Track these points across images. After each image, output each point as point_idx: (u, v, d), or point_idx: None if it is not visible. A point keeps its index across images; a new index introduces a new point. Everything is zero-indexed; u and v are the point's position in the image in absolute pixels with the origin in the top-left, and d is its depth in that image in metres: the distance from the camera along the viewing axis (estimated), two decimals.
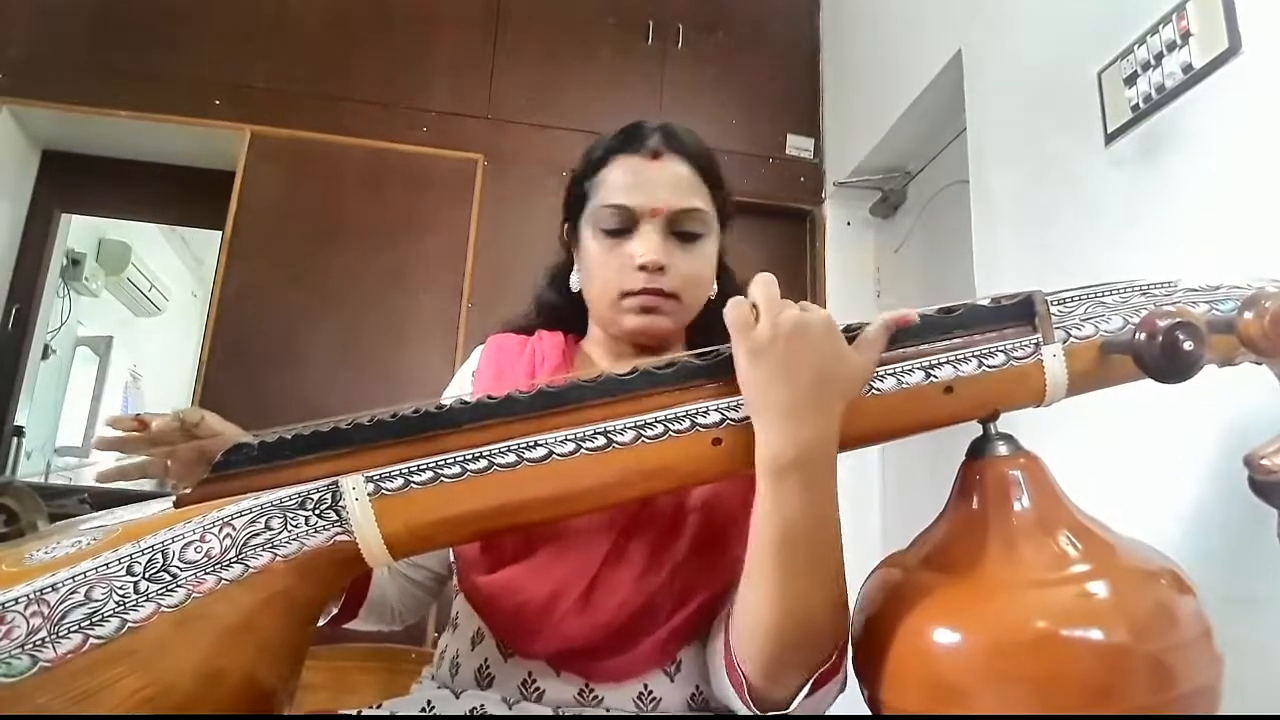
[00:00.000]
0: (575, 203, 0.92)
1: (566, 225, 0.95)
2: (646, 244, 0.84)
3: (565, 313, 0.96)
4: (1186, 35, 1.19)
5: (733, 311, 0.61)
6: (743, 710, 0.67)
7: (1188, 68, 1.19)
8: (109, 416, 0.85)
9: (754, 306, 0.61)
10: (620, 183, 0.86)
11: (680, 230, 0.86)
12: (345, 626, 0.90)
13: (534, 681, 0.78)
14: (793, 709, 0.63)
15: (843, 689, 0.68)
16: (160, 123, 2.34)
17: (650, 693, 0.77)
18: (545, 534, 0.78)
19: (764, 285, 0.61)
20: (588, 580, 0.75)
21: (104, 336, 3.78)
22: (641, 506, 0.78)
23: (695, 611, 0.77)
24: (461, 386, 0.94)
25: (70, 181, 2.54)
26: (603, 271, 0.87)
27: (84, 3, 2.38)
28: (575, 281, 0.93)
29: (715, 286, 0.93)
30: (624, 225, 0.86)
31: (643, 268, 0.84)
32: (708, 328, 0.91)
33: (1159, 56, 1.24)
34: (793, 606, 0.61)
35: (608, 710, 0.77)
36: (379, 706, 0.81)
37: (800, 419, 0.58)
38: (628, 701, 0.77)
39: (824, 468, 0.60)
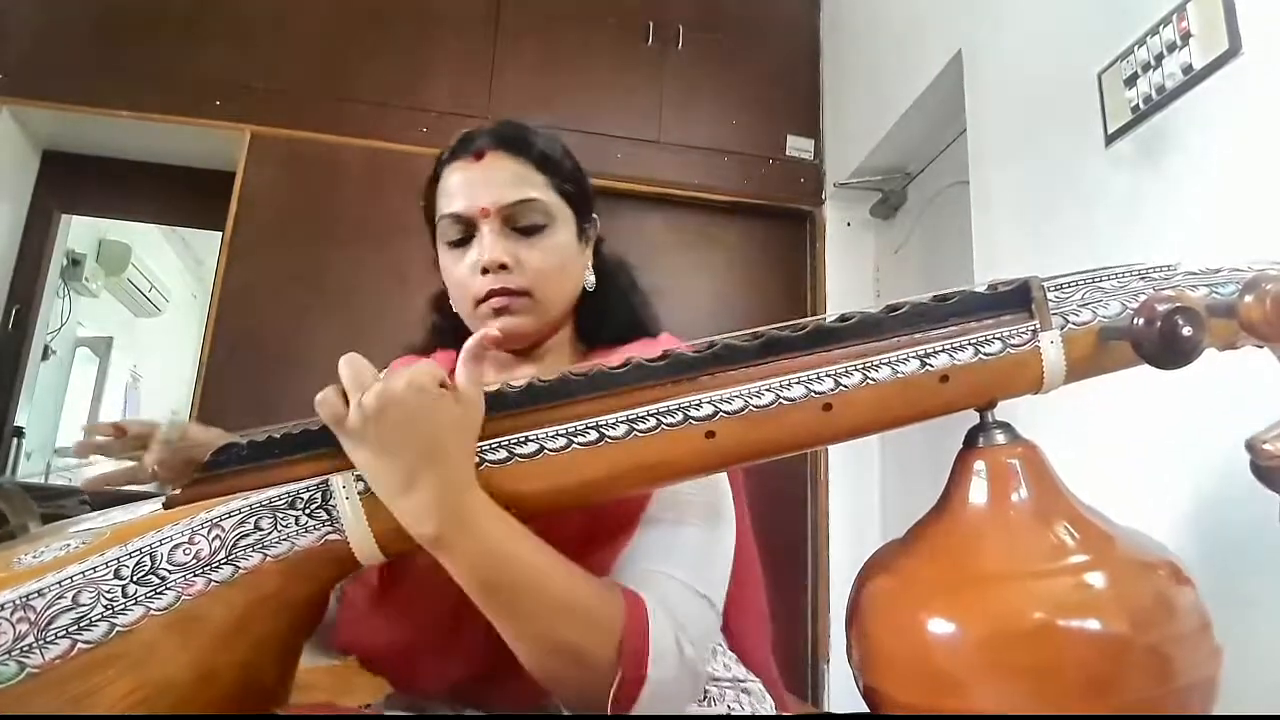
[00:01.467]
0: (429, 222, 0.90)
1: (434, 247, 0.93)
2: (484, 245, 0.82)
3: (456, 333, 0.92)
4: (1186, 36, 1.19)
5: (322, 406, 0.58)
6: None
7: (1188, 68, 1.19)
8: (85, 425, 0.85)
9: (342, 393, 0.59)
10: (452, 190, 0.85)
11: (519, 225, 0.83)
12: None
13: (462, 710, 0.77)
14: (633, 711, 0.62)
15: (695, 692, 0.67)
16: (160, 123, 2.34)
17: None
18: (403, 572, 0.76)
19: (345, 367, 0.59)
20: (448, 613, 0.72)
21: (104, 337, 3.78)
22: None
23: None
24: None
25: (70, 181, 2.53)
26: (455, 283, 0.85)
27: (84, 3, 2.38)
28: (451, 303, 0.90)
29: (591, 276, 0.90)
30: (464, 233, 0.84)
31: (484, 270, 0.82)
32: (597, 321, 0.90)
33: (1159, 57, 1.24)
34: (530, 647, 0.61)
35: None
36: (368, 707, 0.81)
37: (421, 489, 0.57)
38: None
39: (469, 521, 0.58)
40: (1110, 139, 1.36)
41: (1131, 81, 1.30)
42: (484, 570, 0.59)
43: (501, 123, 0.88)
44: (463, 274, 0.84)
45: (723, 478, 0.78)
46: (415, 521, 0.58)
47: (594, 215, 0.93)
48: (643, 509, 0.71)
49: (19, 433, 2.53)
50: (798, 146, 2.76)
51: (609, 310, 0.91)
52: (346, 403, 0.58)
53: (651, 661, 0.61)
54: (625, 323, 0.90)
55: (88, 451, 0.84)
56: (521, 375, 0.66)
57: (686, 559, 0.69)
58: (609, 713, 0.61)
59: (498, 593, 0.60)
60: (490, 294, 0.82)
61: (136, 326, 4.02)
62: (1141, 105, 1.28)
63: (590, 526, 0.71)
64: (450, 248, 0.85)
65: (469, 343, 0.64)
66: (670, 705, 0.63)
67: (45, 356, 2.80)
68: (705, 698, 0.79)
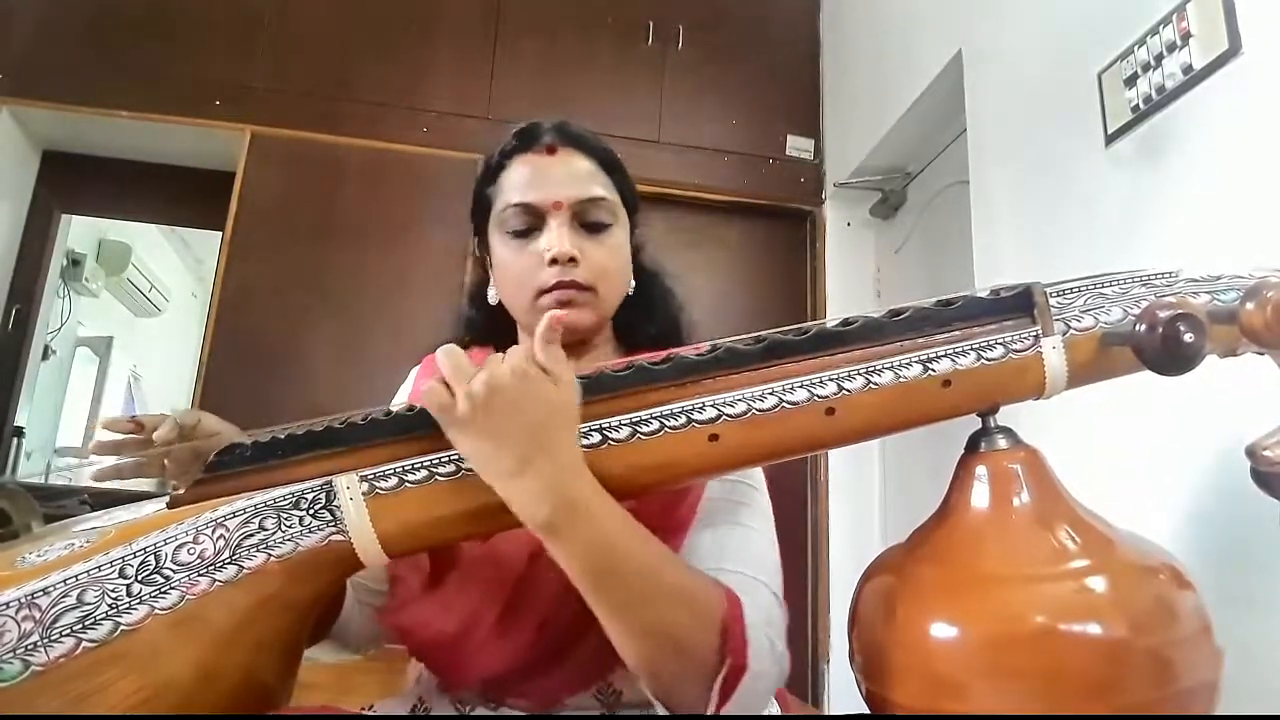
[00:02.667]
0: (481, 212, 0.90)
1: (476, 239, 0.93)
2: (554, 237, 0.82)
3: (492, 327, 0.93)
4: (1187, 36, 1.19)
5: (429, 397, 0.59)
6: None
7: (1188, 68, 1.19)
8: (104, 419, 0.85)
9: (446, 384, 0.59)
10: (520, 181, 0.85)
11: (587, 221, 0.84)
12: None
13: (468, 709, 0.77)
14: (724, 710, 0.62)
15: (779, 685, 0.67)
16: (160, 123, 2.34)
17: (612, 688, 0.76)
18: (452, 563, 0.77)
19: (445, 358, 0.60)
20: (500, 607, 0.73)
21: (104, 337, 3.78)
22: None
23: None
24: None
25: (70, 181, 2.54)
26: (515, 273, 0.85)
27: (84, 3, 2.38)
28: (493, 294, 0.90)
29: (633, 280, 0.91)
30: (530, 224, 0.84)
31: (554, 261, 0.82)
32: (633, 323, 0.91)
33: (1159, 57, 1.24)
34: (635, 636, 0.61)
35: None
36: (370, 707, 0.81)
37: (533, 475, 0.58)
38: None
39: (582, 507, 0.59)
40: (1110, 139, 1.36)
41: (1131, 81, 1.30)
42: (595, 555, 0.59)
43: (564, 122, 0.89)
44: (527, 264, 0.84)
45: (762, 479, 0.80)
46: (528, 506, 0.58)
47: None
48: (694, 509, 0.73)
49: (19, 433, 2.53)
50: (798, 146, 2.76)
51: (648, 312, 0.92)
52: (450, 393, 0.59)
53: (751, 653, 0.61)
54: (663, 326, 0.92)
55: (107, 450, 0.83)
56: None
57: (758, 559, 0.71)
58: (712, 702, 0.60)
59: (608, 577, 0.60)
60: (558, 285, 0.82)
61: (136, 326, 4.02)
62: (1141, 105, 1.28)
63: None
64: (513, 237, 0.85)
65: (542, 327, 0.63)
66: (760, 698, 0.64)
67: (45, 356, 2.80)
68: None
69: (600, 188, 0.86)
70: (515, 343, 0.93)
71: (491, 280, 0.91)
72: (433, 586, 0.77)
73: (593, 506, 0.59)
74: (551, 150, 0.86)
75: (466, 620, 0.74)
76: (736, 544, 0.72)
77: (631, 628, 0.61)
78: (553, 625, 0.73)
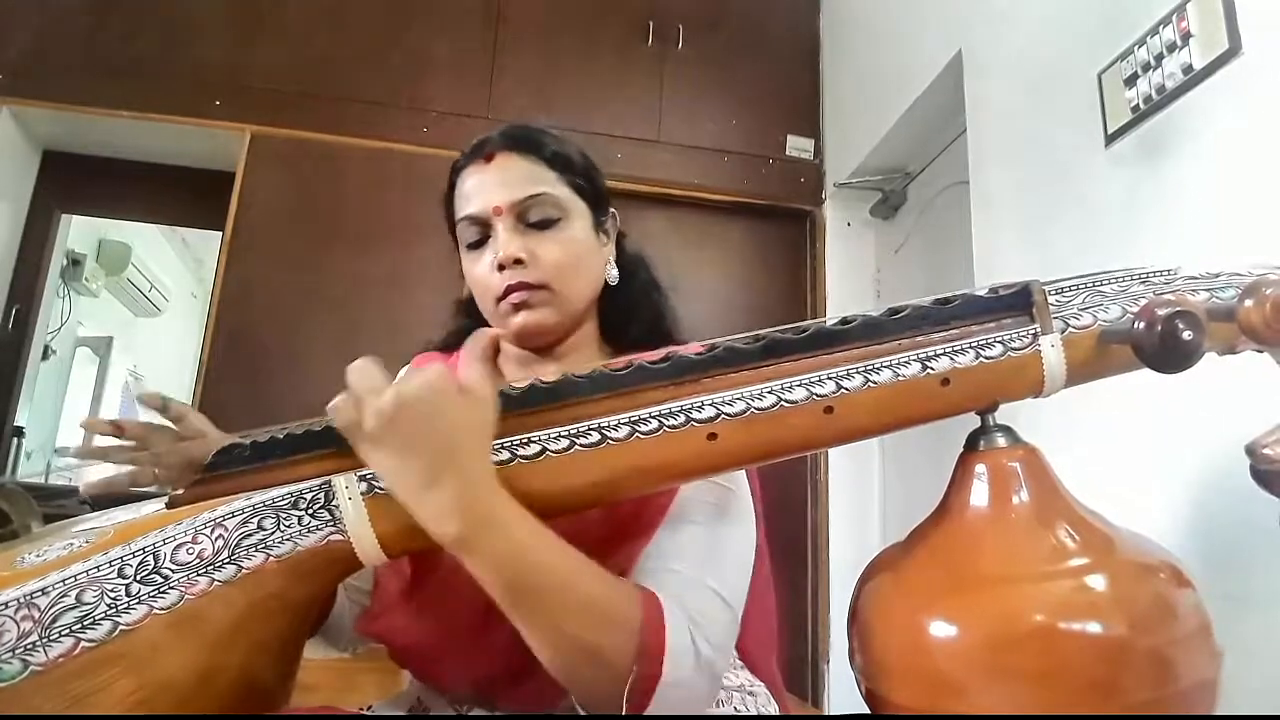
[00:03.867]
0: (450, 227, 0.91)
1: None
2: (500, 242, 0.83)
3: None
4: (1187, 36, 1.19)
5: (336, 413, 0.58)
6: None
7: (1188, 69, 1.19)
8: (84, 419, 0.85)
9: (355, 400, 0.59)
10: (467, 193, 0.86)
11: (532, 220, 0.84)
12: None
13: (465, 709, 0.77)
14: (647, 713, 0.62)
15: (712, 692, 0.67)
16: (160, 123, 2.34)
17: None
18: (432, 569, 0.76)
19: (355, 374, 0.59)
20: (479, 614, 0.72)
21: (104, 337, 3.78)
22: None
23: None
24: None
25: (70, 181, 2.54)
26: (476, 284, 0.86)
27: (85, 3, 2.38)
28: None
29: (614, 270, 0.91)
30: (481, 234, 0.85)
31: (501, 267, 0.83)
32: (622, 318, 0.90)
33: (1159, 57, 1.24)
34: (550, 647, 0.61)
35: None
36: (369, 708, 0.81)
37: (443, 490, 0.57)
38: None
39: (491, 521, 0.58)
40: (1110, 139, 1.36)
41: (1131, 81, 1.30)
42: (507, 569, 0.59)
43: (509, 125, 0.89)
44: (482, 273, 0.85)
45: (744, 481, 0.78)
46: (437, 522, 0.58)
47: (612, 210, 0.93)
48: (664, 510, 0.72)
49: (19, 433, 2.53)
50: (798, 146, 2.76)
51: (632, 306, 0.91)
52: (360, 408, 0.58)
53: (667, 661, 0.61)
54: (650, 321, 0.91)
55: (89, 455, 0.84)
56: (545, 373, 0.65)
57: (708, 560, 0.69)
58: (625, 712, 0.60)
59: (520, 592, 0.60)
60: (509, 290, 0.83)
61: (136, 326, 4.02)
62: (1141, 105, 1.28)
63: (611, 527, 0.71)
64: (469, 250, 0.87)
65: (469, 342, 0.63)
66: (687, 706, 0.63)
67: (45, 356, 2.80)
68: None
69: (541, 184, 0.85)
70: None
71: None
72: (413, 592, 0.77)
73: (502, 521, 0.59)
74: (489, 158, 0.86)
75: (446, 626, 0.74)
76: (703, 548, 0.70)
77: (546, 639, 0.60)
78: None
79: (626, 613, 0.62)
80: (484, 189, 0.85)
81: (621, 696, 0.60)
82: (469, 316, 0.95)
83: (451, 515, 0.57)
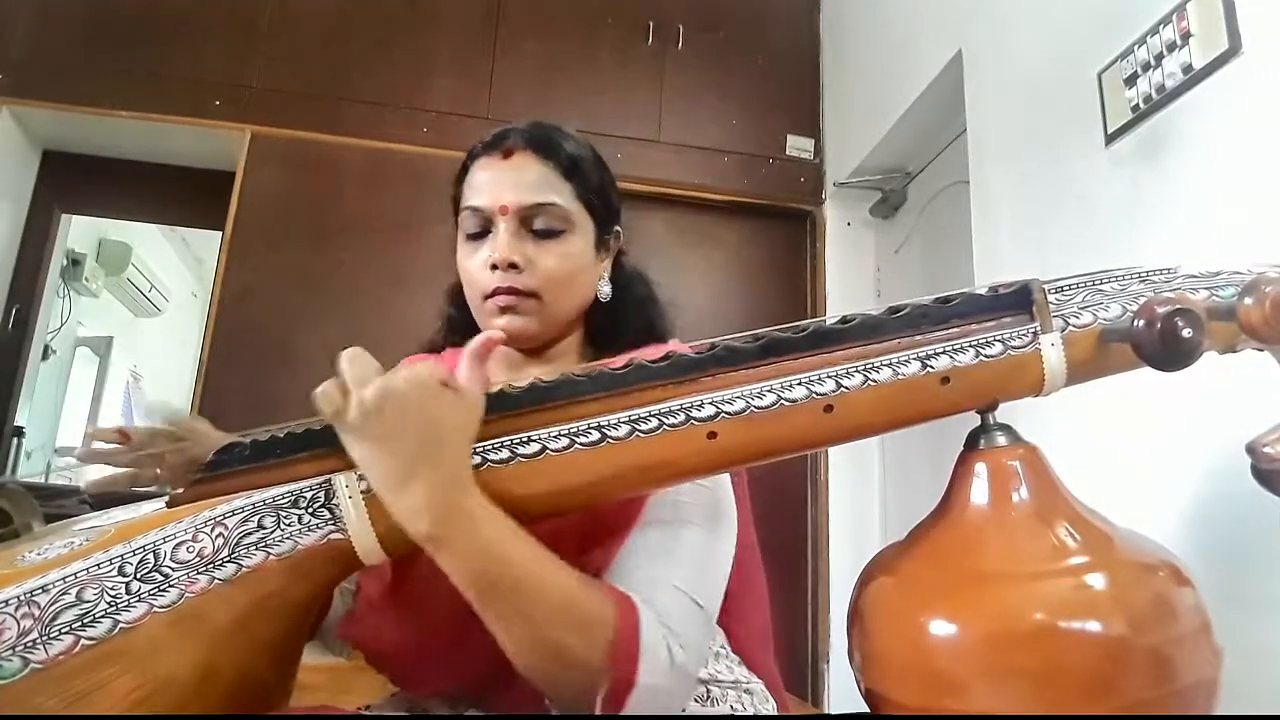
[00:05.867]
0: (455, 213, 0.90)
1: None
2: (498, 242, 0.83)
3: (469, 329, 0.91)
4: (1186, 36, 1.19)
5: (321, 399, 0.58)
6: None
7: (1188, 68, 1.19)
8: (90, 429, 0.85)
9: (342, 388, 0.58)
10: (476, 184, 0.85)
11: (536, 228, 0.84)
12: None
13: (462, 710, 0.77)
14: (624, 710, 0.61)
15: (686, 696, 0.66)
16: (160, 123, 2.34)
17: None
18: (409, 572, 0.75)
19: (346, 362, 0.59)
20: (460, 614, 0.71)
21: (104, 337, 3.78)
22: None
23: None
24: None
25: (70, 181, 2.54)
26: (467, 276, 0.86)
27: (84, 3, 2.38)
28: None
29: (606, 288, 0.90)
30: (481, 227, 0.85)
31: (494, 266, 0.82)
32: (610, 332, 0.90)
33: (1159, 57, 1.24)
34: (521, 648, 0.60)
35: None
36: (368, 708, 0.81)
37: (418, 486, 0.57)
38: None
39: (463, 520, 0.58)
40: (1110, 139, 1.36)
41: (1131, 81, 1.30)
42: (478, 569, 0.59)
43: (535, 123, 0.88)
44: (475, 267, 0.85)
45: (725, 481, 0.77)
46: (410, 518, 0.58)
47: (617, 228, 0.93)
48: (641, 510, 0.71)
49: (19, 433, 2.53)
50: (798, 146, 2.76)
51: (621, 320, 0.91)
52: (347, 397, 0.58)
53: (641, 665, 0.60)
54: (638, 332, 0.91)
55: (92, 459, 0.84)
56: (529, 375, 0.65)
57: (681, 561, 0.69)
58: (599, 713, 0.60)
59: (491, 592, 0.59)
60: (498, 290, 0.82)
61: (136, 326, 4.02)
62: (1141, 105, 1.28)
63: (589, 527, 0.70)
64: (467, 240, 0.86)
65: (472, 343, 0.64)
66: (660, 708, 0.63)
67: (45, 356, 2.80)
68: (708, 698, 0.79)
69: (553, 194, 0.85)
70: None
71: None
72: (392, 596, 0.76)
73: (475, 519, 0.59)
74: (508, 154, 0.85)
75: (425, 630, 0.73)
76: (670, 548, 0.69)
77: (517, 640, 0.60)
78: None
79: (599, 613, 0.61)
80: (495, 185, 0.84)
81: (591, 696, 0.60)
82: (453, 305, 0.95)
83: (423, 512, 0.57)
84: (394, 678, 0.80)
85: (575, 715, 0.70)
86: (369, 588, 0.79)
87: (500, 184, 0.84)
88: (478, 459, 0.61)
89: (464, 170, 0.89)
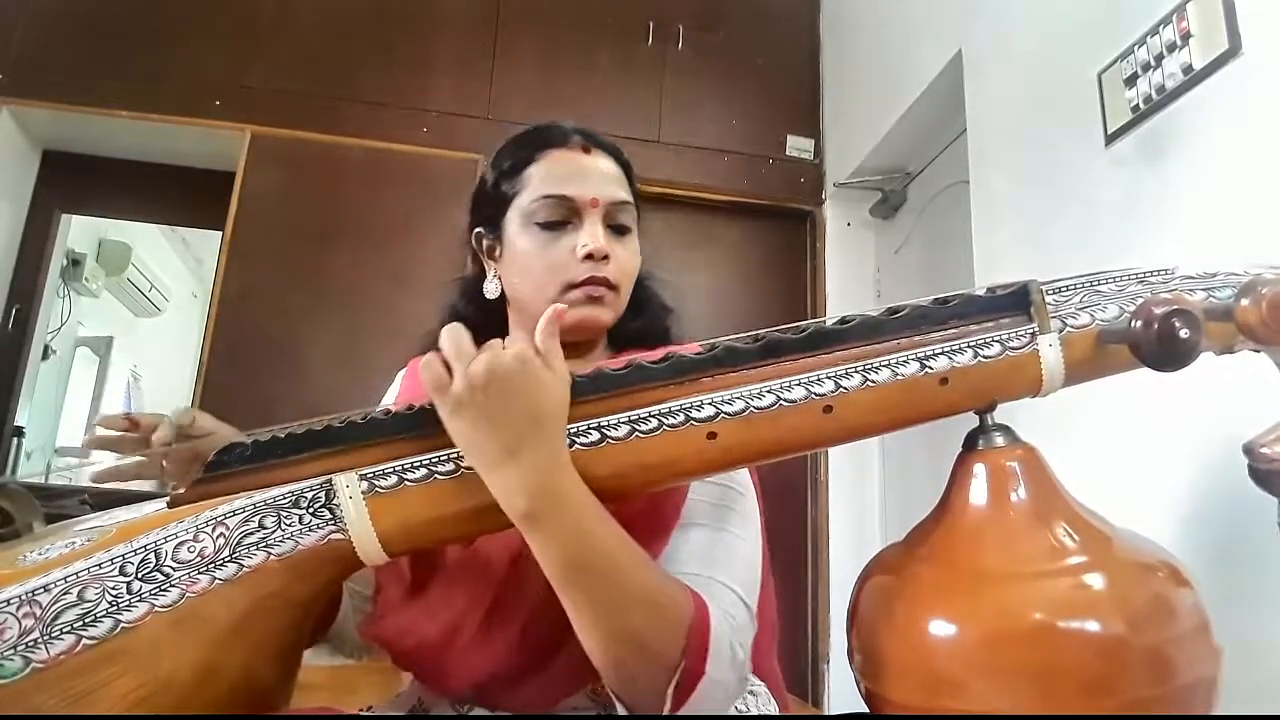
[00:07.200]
0: (492, 205, 0.89)
1: (478, 232, 0.91)
2: (594, 233, 0.83)
3: (481, 324, 0.88)
4: (1186, 36, 1.19)
5: (426, 372, 0.59)
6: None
7: (1188, 69, 1.19)
8: (100, 416, 0.85)
9: (445, 362, 0.59)
10: (557, 174, 0.85)
11: (615, 223, 0.86)
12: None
13: (466, 710, 0.77)
14: (681, 711, 0.62)
15: (739, 693, 0.67)
16: (160, 123, 2.34)
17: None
18: (434, 569, 0.76)
19: (449, 337, 0.60)
20: (483, 612, 0.73)
21: (104, 337, 3.78)
22: None
23: None
24: None
25: (70, 181, 2.54)
26: (542, 265, 0.84)
27: (84, 3, 2.38)
28: (492, 289, 0.89)
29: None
30: (564, 217, 0.84)
31: (589, 256, 0.82)
32: (622, 324, 0.90)
33: (1159, 57, 1.24)
34: (601, 632, 0.61)
35: None
36: (369, 709, 0.81)
37: (518, 465, 0.58)
38: None
39: (562, 499, 0.59)
40: (1110, 139, 1.36)
41: (1131, 81, 1.30)
42: (572, 550, 0.59)
43: (583, 128, 0.90)
44: (559, 256, 0.83)
45: (749, 479, 0.79)
46: (509, 495, 0.58)
47: None
48: (676, 515, 0.72)
49: (19, 433, 2.53)
50: (798, 146, 2.76)
51: (636, 314, 0.92)
52: (449, 372, 0.59)
53: (711, 659, 0.61)
54: (658, 334, 0.93)
55: (100, 446, 0.83)
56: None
57: (730, 563, 0.70)
58: (666, 704, 0.61)
59: (580, 573, 0.60)
60: (591, 280, 0.83)
61: (136, 326, 4.02)
62: (1141, 105, 1.28)
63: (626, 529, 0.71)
64: (542, 229, 0.84)
65: (544, 319, 0.63)
66: (717, 704, 0.64)
67: (45, 356, 2.80)
68: None
69: (626, 192, 0.88)
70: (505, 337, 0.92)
71: (492, 274, 0.90)
72: (414, 594, 0.77)
73: (573, 500, 0.59)
74: (587, 149, 0.87)
75: (449, 626, 0.74)
76: (715, 549, 0.71)
77: (598, 624, 0.61)
78: (537, 628, 0.72)
79: (679, 609, 0.62)
80: (585, 176, 0.85)
81: (658, 688, 0.61)
82: (471, 303, 0.93)
83: (522, 490, 0.58)
84: (420, 675, 0.80)
85: (594, 716, 0.71)
86: (390, 589, 0.79)
87: (588, 177, 0.85)
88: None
89: (522, 163, 0.88)
